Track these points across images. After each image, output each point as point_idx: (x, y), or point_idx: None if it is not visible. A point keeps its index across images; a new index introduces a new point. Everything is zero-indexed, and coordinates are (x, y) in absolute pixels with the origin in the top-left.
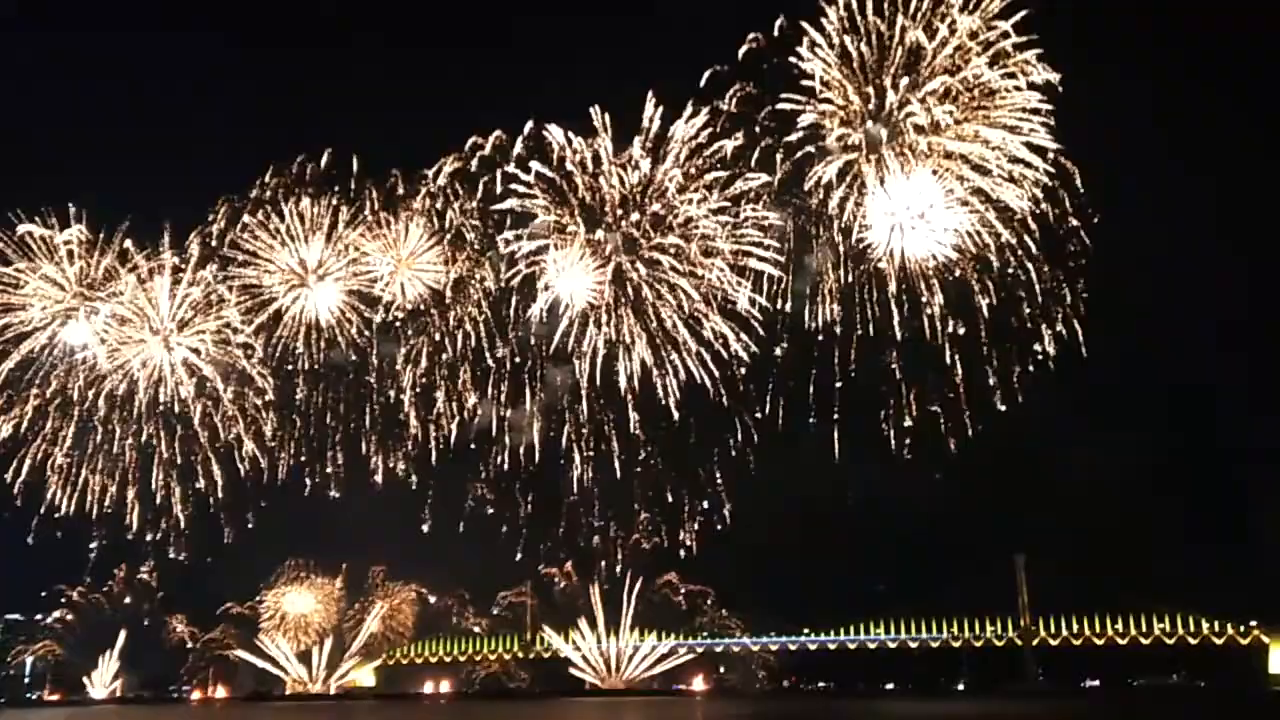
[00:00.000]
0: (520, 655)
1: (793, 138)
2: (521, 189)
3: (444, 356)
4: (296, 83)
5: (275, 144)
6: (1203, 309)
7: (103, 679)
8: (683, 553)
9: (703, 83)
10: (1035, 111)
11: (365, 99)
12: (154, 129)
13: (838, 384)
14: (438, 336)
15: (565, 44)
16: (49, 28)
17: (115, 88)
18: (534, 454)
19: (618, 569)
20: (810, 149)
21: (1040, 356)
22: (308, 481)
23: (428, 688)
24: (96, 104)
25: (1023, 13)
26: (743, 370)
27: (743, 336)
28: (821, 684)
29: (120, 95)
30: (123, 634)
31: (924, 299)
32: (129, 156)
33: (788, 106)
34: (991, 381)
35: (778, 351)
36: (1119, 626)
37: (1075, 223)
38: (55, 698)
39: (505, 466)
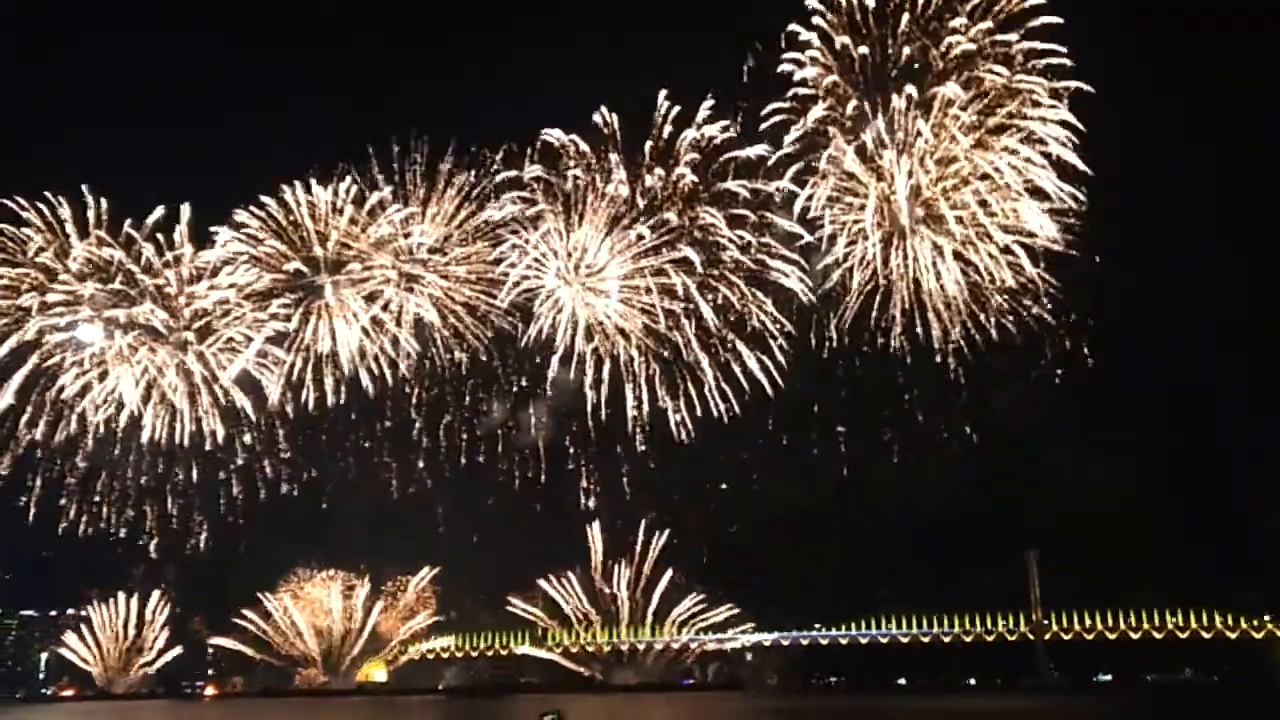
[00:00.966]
0: (532, 651)
1: (796, 147)
2: (526, 195)
3: (454, 364)
4: (296, 83)
5: (275, 144)
6: (1203, 309)
7: (114, 673)
8: (693, 550)
9: (709, 100)
10: (1042, 120)
11: (365, 99)
12: (153, 129)
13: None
14: (447, 347)
15: (569, 43)
16: (48, 28)
17: (115, 88)
18: (545, 456)
19: (626, 566)
20: (814, 158)
21: (1044, 363)
22: (328, 491)
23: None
24: (96, 104)
25: (1029, 23)
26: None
27: (756, 353)
28: (832, 679)
29: (120, 95)
30: (138, 630)
31: (929, 307)
32: (128, 157)
33: (793, 117)
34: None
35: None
36: (1131, 621)
37: (1080, 230)
38: (70, 693)
39: (517, 468)
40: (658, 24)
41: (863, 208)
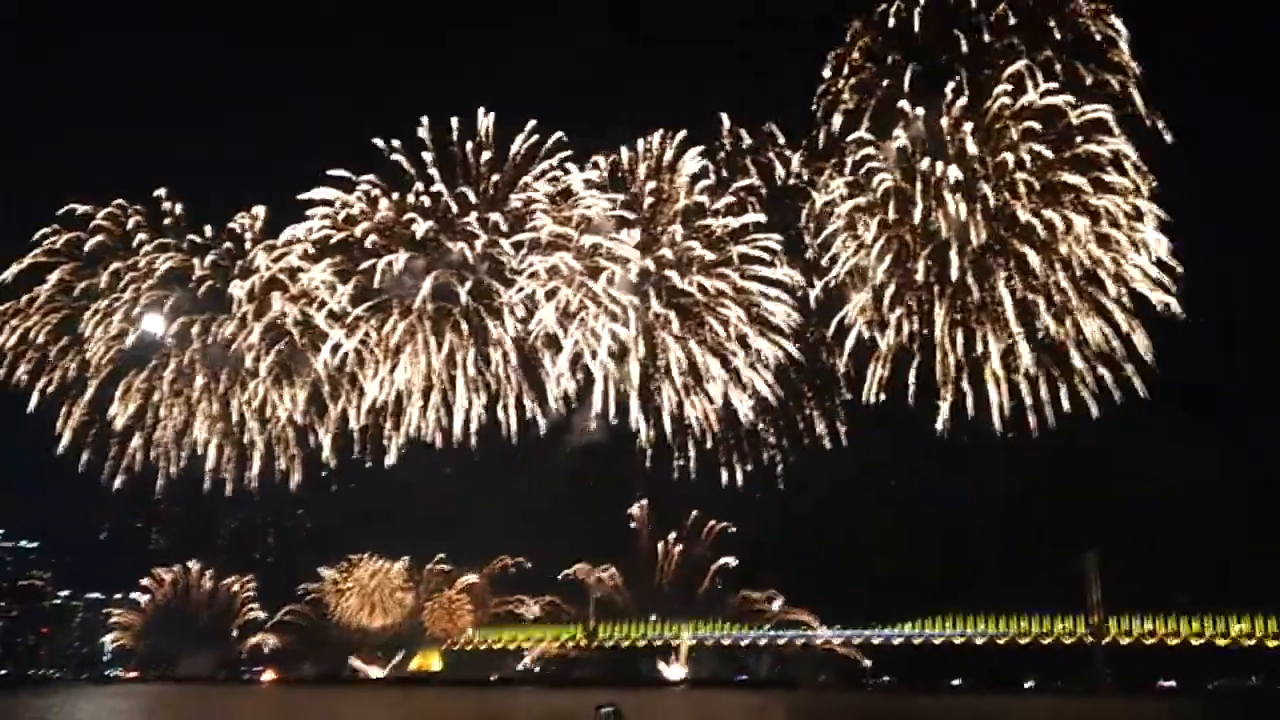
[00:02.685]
0: (583, 645)
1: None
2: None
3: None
4: (296, 83)
5: (275, 145)
6: (1203, 309)
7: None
8: (747, 549)
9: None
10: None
11: (365, 99)
12: (153, 129)
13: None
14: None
15: (569, 43)
16: (48, 28)
17: (115, 88)
18: (597, 456)
19: (674, 561)
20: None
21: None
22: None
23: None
24: (96, 104)
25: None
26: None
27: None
28: (886, 679)
29: (120, 95)
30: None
31: (977, 325)
32: (127, 156)
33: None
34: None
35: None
36: (1194, 626)
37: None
38: (133, 675)
39: (571, 467)
40: (659, 24)
41: (910, 230)
